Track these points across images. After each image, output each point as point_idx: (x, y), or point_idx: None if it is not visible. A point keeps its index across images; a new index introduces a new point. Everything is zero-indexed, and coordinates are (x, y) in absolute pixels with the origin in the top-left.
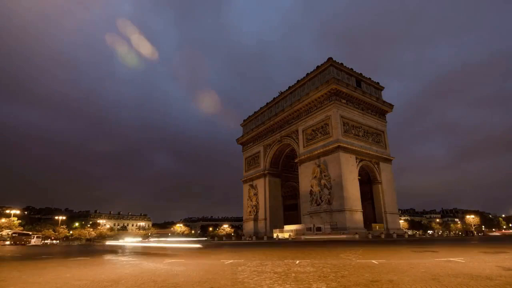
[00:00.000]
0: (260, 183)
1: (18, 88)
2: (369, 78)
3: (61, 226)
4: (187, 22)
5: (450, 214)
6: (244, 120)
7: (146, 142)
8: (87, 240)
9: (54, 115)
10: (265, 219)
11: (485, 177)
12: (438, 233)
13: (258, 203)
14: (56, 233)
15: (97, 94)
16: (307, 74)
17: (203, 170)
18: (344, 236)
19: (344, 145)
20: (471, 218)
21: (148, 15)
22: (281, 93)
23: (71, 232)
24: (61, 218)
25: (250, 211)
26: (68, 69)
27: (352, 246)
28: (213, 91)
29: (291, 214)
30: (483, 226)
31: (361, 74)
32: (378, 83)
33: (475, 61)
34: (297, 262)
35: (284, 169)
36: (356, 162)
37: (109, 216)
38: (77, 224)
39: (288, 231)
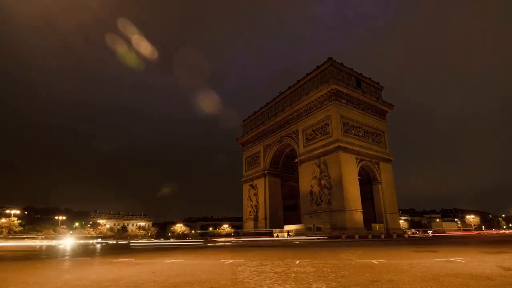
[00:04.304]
0: (260, 183)
1: (17, 87)
2: (369, 78)
3: (61, 226)
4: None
5: (450, 214)
6: (244, 120)
7: (143, 143)
8: None
9: (54, 114)
10: (265, 219)
11: (486, 177)
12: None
13: (258, 203)
14: (56, 233)
15: (96, 91)
16: (307, 74)
17: (203, 170)
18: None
19: (344, 145)
20: (471, 218)
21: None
22: (281, 93)
23: (71, 232)
24: (61, 218)
25: (250, 211)
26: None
27: (352, 246)
28: (213, 90)
29: (291, 214)
30: (483, 226)
31: (361, 74)
32: (378, 83)
33: None
34: (297, 262)
35: (284, 169)
36: (356, 162)
37: (109, 216)
38: (77, 224)
39: (288, 231)
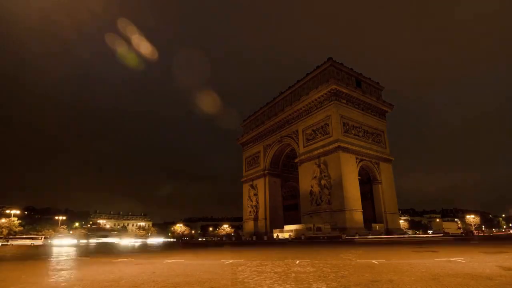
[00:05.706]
0: (260, 183)
1: (17, 88)
2: (369, 78)
3: (61, 226)
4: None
5: (450, 214)
6: (244, 120)
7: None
8: None
9: (55, 115)
10: (265, 219)
11: (486, 177)
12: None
13: (258, 203)
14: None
15: (96, 92)
16: (307, 74)
17: (203, 170)
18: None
19: (344, 145)
20: (471, 218)
21: (149, 12)
22: (281, 93)
23: (71, 232)
24: (61, 218)
25: (250, 211)
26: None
27: (352, 246)
28: (213, 90)
29: (291, 214)
30: (483, 226)
31: (361, 74)
32: (378, 83)
33: None
34: (297, 262)
35: (284, 169)
36: (356, 162)
37: (109, 216)
38: (77, 224)
39: (288, 231)
